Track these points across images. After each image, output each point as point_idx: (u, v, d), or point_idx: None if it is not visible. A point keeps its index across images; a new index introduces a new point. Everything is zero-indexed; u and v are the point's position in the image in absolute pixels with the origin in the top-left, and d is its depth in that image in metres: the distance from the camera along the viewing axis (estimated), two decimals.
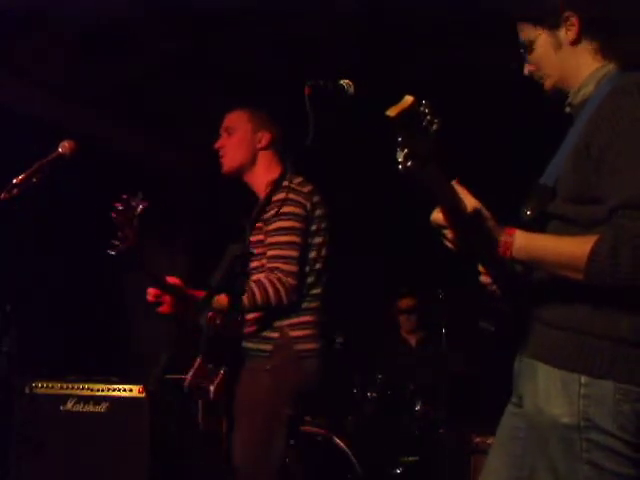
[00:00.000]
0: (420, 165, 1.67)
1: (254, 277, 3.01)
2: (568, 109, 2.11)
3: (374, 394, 4.58)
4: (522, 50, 2.13)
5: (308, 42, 4.65)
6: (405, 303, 5.52)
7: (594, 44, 2.05)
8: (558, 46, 2.07)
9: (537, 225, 1.95)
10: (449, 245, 1.93)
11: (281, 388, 2.91)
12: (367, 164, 5.32)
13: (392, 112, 1.65)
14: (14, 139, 4.52)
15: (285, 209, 2.99)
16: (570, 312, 1.91)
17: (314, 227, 3.05)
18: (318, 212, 3.06)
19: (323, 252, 3.08)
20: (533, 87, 2.14)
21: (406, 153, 1.66)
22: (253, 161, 3.20)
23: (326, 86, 2.16)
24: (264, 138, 3.20)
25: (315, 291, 3.06)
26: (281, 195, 2.98)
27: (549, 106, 2.16)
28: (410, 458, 4.50)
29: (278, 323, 3.00)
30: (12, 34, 4.53)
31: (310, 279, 3.04)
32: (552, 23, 2.06)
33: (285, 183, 2.98)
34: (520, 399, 2.05)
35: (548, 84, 2.12)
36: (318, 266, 3.06)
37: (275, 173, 3.11)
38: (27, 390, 3.55)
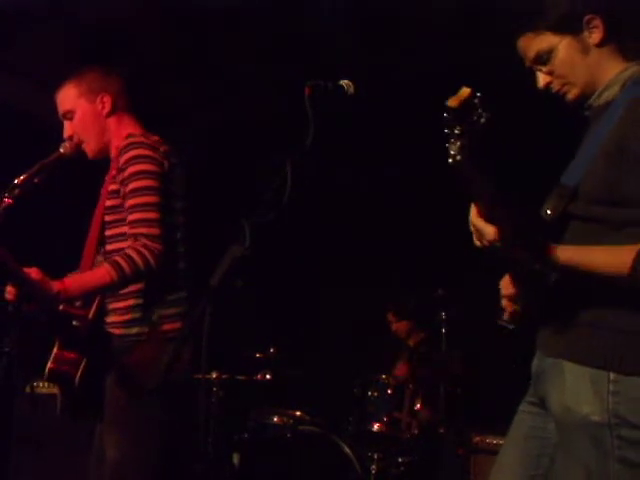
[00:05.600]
0: (470, 158, 1.63)
1: (111, 247, 2.73)
2: (587, 112, 2.07)
3: (374, 394, 4.57)
4: (534, 63, 2.06)
5: (308, 42, 4.65)
6: (398, 326, 5.37)
7: (617, 45, 2.01)
8: (585, 50, 2.01)
9: (557, 225, 1.93)
10: (481, 243, 1.87)
11: (151, 381, 2.56)
12: (367, 163, 5.33)
13: (453, 103, 1.61)
14: (14, 139, 4.52)
15: (139, 167, 2.66)
16: (597, 310, 1.90)
17: (174, 188, 2.74)
18: (178, 173, 2.76)
19: (181, 219, 2.77)
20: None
21: (459, 146, 1.62)
22: (108, 132, 2.89)
23: (326, 86, 2.16)
24: (105, 102, 2.89)
25: (180, 265, 2.75)
26: (134, 152, 2.68)
27: (558, 107, 2.12)
28: (410, 458, 4.50)
29: (144, 301, 2.69)
30: (12, 33, 4.53)
31: (176, 249, 2.73)
32: (574, 28, 2.00)
33: (139, 139, 2.72)
34: (540, 399, 2.03)
35: (574, 94, 2.05)
36: (180, 235, 2.75)
37: (129, 131, 2.84)
38: (27, 390, 3.55)
